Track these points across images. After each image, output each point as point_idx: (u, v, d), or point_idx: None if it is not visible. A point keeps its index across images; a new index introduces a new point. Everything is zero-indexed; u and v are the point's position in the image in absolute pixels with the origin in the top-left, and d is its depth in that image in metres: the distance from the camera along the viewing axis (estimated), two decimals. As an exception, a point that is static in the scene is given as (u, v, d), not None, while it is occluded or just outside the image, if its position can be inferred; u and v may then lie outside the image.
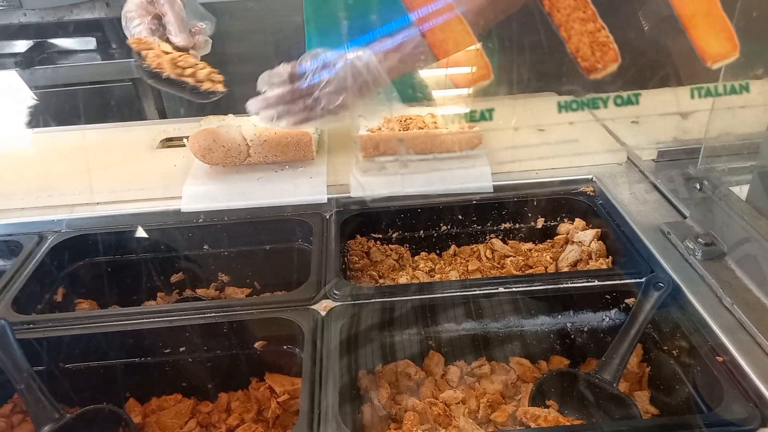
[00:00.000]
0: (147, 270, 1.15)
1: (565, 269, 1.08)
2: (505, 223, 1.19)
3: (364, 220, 1.16)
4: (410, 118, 1.26)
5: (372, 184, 1.14)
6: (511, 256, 1.14)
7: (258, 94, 1.10)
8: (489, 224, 1.19)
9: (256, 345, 0.94)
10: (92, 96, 2.34)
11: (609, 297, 0.95)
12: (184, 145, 1.19)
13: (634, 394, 0.88)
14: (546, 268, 1.10)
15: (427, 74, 1.28)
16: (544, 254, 1.13)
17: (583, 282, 0.95)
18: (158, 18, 1.12)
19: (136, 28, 1.11)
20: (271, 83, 1.01)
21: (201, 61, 1.12)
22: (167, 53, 1.08)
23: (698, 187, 1.07)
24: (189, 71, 1.08)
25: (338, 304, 0.93)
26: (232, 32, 2.20)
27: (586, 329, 0.96)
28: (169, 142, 1.44)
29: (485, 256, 1.15)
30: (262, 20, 2.28)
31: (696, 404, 0.81)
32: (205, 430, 0.93)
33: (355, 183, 1.17)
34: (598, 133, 1.33)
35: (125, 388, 0.95)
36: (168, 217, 1.16)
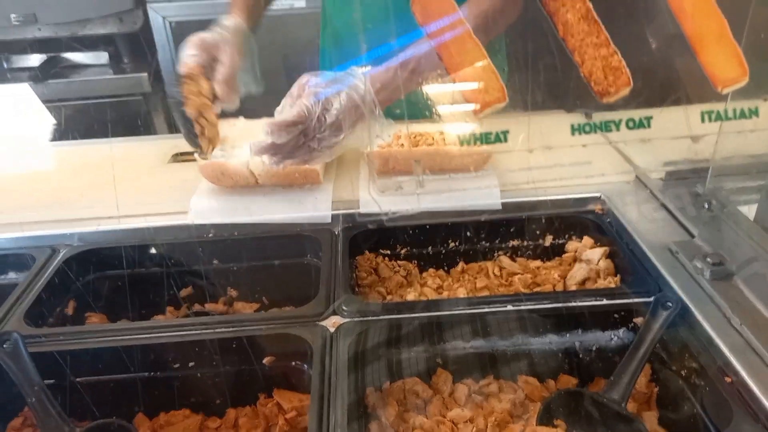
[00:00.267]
0: (157, 284, 1.16)
1: (573, 287, 1.08)
2: (513, 241, 1.19)
3: (373, 236, 1.16)
4: (420, 135, 1.26)
5: (387, 203, 1.15)
6: (519, 273, 1.14)
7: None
8: (497, 241, 1.19)
9: (265, 360, 0.94)
10: (104, 110, 2.37)
11: (617, 316, 0.95)
12: (195, 160, 1.20)
13: (642, 415, 0.87)
14: (554, 286, 1.10)
15: (437, 90, 1.28)
16: (553, 272, 1.13)
17: (592, 301, 0.95)
18: (213, 59, 1.14)
19: (189, 57, 1.13)
20: (273, 132, 1.03)
21: (220, 117, 1.16)
22: (202, 94, 1.11)
23: (706, 206, 1.07)
24: (204, 122, 1.11)
25: (347, 320, 0.93)
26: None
27: (594, 348, 0.96)
28: (181, 157, 1.45)
29: (493, 273, 1.15)
30: (273, 33, 2.31)
31: (705, 425, 0.81)
32: (213, 446, 0.93)
33: (368, 200, 1.18)
34: (608, 154, 1.33)
35: (134, 403, 0.96)
36: (178, 231, 1.17)
